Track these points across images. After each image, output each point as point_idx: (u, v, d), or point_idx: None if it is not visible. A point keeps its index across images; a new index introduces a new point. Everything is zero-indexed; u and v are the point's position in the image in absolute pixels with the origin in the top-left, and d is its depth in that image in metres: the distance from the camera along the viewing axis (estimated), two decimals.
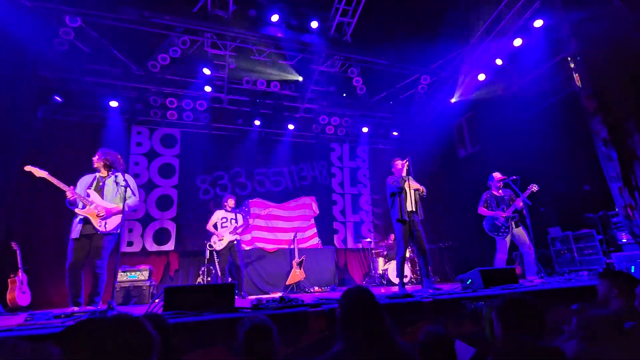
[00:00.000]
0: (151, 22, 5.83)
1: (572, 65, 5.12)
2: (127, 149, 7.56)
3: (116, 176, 3.83)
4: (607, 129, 4.56)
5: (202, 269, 6.56)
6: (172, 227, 7.49)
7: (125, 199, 3.54)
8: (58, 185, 3.59)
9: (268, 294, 6.52)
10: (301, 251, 7.18)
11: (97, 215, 3.62)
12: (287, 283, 6.75)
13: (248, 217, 6.15)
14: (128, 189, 3.60)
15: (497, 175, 5.19)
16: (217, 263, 6.25)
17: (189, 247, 7.42)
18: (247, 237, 7.60)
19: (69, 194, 3.60)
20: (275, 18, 6.19)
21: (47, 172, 3.62)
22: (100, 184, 3.81)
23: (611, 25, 4.57)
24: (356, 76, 7.44)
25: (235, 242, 5.53)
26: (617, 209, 4.80)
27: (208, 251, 6.66)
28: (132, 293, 5.82)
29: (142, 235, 7.22)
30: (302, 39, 6.55)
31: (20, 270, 5.35)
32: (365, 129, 9.15)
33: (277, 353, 1.65)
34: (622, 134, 4.47)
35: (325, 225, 8.64)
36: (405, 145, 9.82)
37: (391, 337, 1.52)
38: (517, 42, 6.37)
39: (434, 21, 6.81)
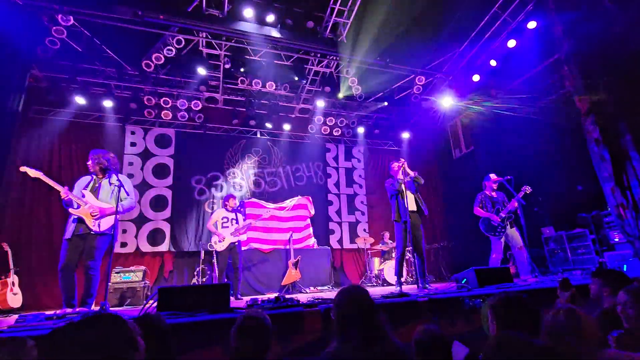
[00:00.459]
0: (145, 21, 5.77)
1: (565, 66, 5.16)
2: (121, 149, 7.49)
3: (110, 177, 3.81)
4: (599, 129, 4.61)
5: (197, 269, 6.52)
6: (166, 228, 7.43)
7: (119, 200, 3.53)
8: (52, 186, 3.57)
9: (263, 294, 6.49)
10: (297, 251, 7.16)
11: (91, 215, 3.60)
12: (282, 283, 6.73)
13: (244, 217, 6.12)
14: (122, 189, 3.58)
15: (493, 176, 5.23)
16: (215, 263, 6.21)
17: (183, 247, 7.37)
18: (243, 237, 7.56)
19: (63, 194, 3.57)
20: (270, 18, 6.18)
21: (41, 173, 3.61)
22: (97, 185, 3.81)
23: (603, 26, 4.62)
24: (351, 76, 7.45)
25: (236, 244, 5.49)
26: (609, 209, 4.85)
27: (203, 252, 6.62)
28: (126, 294, 5.76)
29: (136, 236, 7.16)
30: (297, 39, 6.54)
31: (11, 271, 5.27)
32: (360, 130, 9.17)
33: (272, 346, 1.64)
34: (614, 134, 4.52)
35: (320, 226, 8.64)
36: (400, 145, 9.86)
37: (386, 337, 1.52)
38: (511, 43, 6.43)
39: (428, 22, 6.84)
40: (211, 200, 7.94)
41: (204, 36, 6.53)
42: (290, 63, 7.43)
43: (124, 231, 7.04)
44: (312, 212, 8.43)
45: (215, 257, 5.69)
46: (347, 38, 6.72)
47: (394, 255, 7.25)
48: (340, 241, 8.76)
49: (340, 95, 8.26)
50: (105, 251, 3.68)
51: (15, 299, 5.20)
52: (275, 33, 6.31)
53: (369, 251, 8.05)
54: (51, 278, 6.13)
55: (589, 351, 1.35)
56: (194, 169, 7.97)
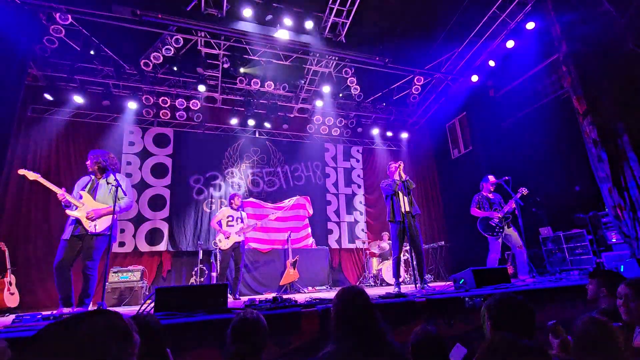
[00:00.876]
0: (144, 21, 5.76)
1: (563, 67, 5.18)
2: (120, 149, 7.47)
3: (108, 176, 3.80)
4: (597, 130, 4.63)
5: (195, 269, 6.51)
6: (164, 227, 7.42)
7: (116, 200, 3.53)
8: (50, 188, 3.57)
9: (261, 294, 6.49)
10: (295, 251, 7.16)
11: (87, 217, 3.59)
12: (280, 283, 6.73)
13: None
14: (119, 189, 3.58)
15: (491, 178, 5.24)
16: (214, 263, 6.19)
17: (181, 247, 7.36)
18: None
19: (60, 196, 3.57)
20: (269, 18, 6.17)
21: (39, 175, 3.63)
22: (94, 185, 3.81)
23: (601, 28, 4.64)
24: (350, 76, 7.45)
25: (240, 243, 5.48)
26: (607, 209, 4.87)
27: (201, 251, 6.61)
28: (123, 294, 5.75)
29: (134, 236, 7.14)
30: (296, 38, 6.54)
31: (8, 271, 5.25)
32: (359, 130, 9.17)
33: (267, 347, 1.64)
34: (611, 135, 4.54)
35: (319, 226, 8.64)
36: (399, 146, 9.87)
37: (384, 337, 1.52)
38: (510, 44, 6.44)
39: (427, 23, 6.85)
40: (209, 200, 7.92)
41: (203, 36, 6.52)
42: (289, 63, 7.42)
43: (122, 231, 7.03)
44: (311, 212, 8.43)
45: (217, 256, 5.65)
46: (346, 38, 6.72)
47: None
48: (338, 241, 8.76)
49: (339, 95, 8.26)
50: (103, 251, 3.67)
51: (12, 298, 5.18)
52: (274, 33, 6.30)
53: (367, 251, 8.06)
54: (48, 278, 6.11)
55: None
56: (192, 169, 7.96)
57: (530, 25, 6.03)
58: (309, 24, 6.35)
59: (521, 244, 4.88)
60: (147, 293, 5.97)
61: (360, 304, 1.59)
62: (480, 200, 5.19)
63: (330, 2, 6.15)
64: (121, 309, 5.01)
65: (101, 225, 3.65)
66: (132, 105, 7.24)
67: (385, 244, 7.85)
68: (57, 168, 6.85)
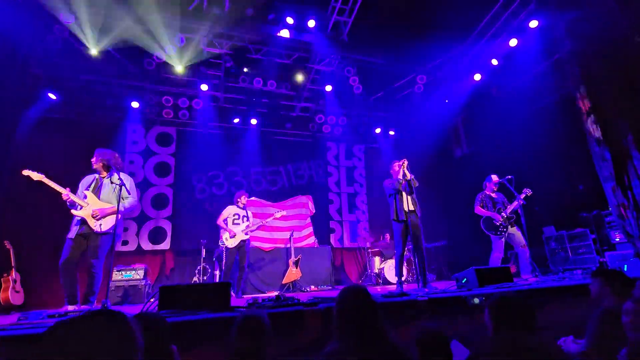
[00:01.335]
0: None
1: (566, 66, 5.15)
2: (123, 147, 7.51)
3: (112, 175, 3.83)
4: (600, 129, 4.61)
5: (198, 268, 6.53)
6: (167, 226, 7.45)
7: (121, 198, 3.56)
8: (55, 188, 3.60)
9: (264, 293, 6.51)
10: (297, 250, 7.17)
11: (92, 216, 3.62)
12: (283, 282, 6.74)
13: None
14: (123, 188, 3.60)
15: (494, 177, 5.22)
16: (216, 261, 6.21)
17: (184, 246, 7.39)
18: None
19: (64, 196, 3.59)
20: (271, 17, 6.17)
21: (43, 175, 3.66)
22: (99, 184, 3.83)
23: (605, 26, 4.61)
24: (353, 75, 7.44)
25: (246, 242, 5.49)
26: (610, 209, 4.85)
27: (204, 250, 6.63)
28: (127, 292, 5.78)
29: (137, 234, 7.18)
30: (298, 37, 6.54)
31: (13, 269, 5.30)
32: (361, 129, 9.16)
33: (270, 345, 1.65)
34: (615, 134, 4.51)
35: (321, 225, 8.65)
36: (401, 144, 9.85)
37: (386, 336, 1.53)
38: (513, 42, 6.41)
39: (430, 21, 6.82)
40: (212, 198, 7.95)
41: (205, 35, 6.52)
42: (292, 62, 7.42)
43: (126, 229, 7.06)
44: (313, 210, 8.44)
45: (221, 255, 5.66)
46: (349, 37, 6.71)
47: (394, 253, 7.25)
48: (340, 240, 8.77)
49: (342, 94, 8.25)
50: (107, 250, 3.71)
51: (17, 296, 5.22)
52: (276, 32, 6.30)
53: (369, 250, 8.06)
54: (53, 276, 6.14)
55: None
56: (195, 168, 7.98)
57: (534, 24, 6.00)
58: (311, 23, 6.35)
59: (524, 243, 4.87)
60: (151, 291, 6.01)
61: (362, 302, 1.60)
62: (484, 199, 5.18)
63: (332, 0, 6.15)
64: (125, 307, 5.04)
65: (106, 224, 3.68)
66: (135, 104, 7.27)
67: (388, 243, 7.85)
68: (60, 167, 6.81)
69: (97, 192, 3.80)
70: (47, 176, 3.71)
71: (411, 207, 4.46)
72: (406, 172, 4.58)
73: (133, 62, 6.83)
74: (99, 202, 3.75)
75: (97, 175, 3.89)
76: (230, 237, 5.41)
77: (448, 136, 9.08)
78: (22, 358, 1.74)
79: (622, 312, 1.75)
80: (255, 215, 7.07)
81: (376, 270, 7.58)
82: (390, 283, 6.97)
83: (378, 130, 9.35)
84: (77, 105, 6.98)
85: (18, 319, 2.56)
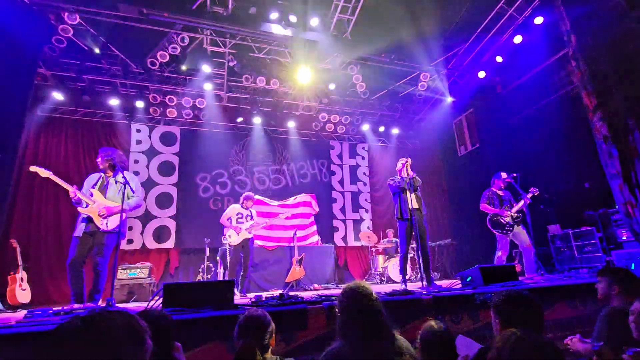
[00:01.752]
0: (150, 19, 5.79)
1: (572, 62, 5.10)
2: (127, 147, 7.55)
3: (117, 175, 3.86)
4: (607, 126, 4.55)
5: (202, 266, 6.56)
6: (171, 225, 7.49)
7: (124, 197, 3.60)
8: (62, 185, 3.62)
9: (268, 291, 6.52)
10: (301, 249, 7.18)
11: (99, 214, 3.65)
12: (286, 281, 6.75)
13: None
14: (128, 186, 3.63)
15: (504, 175, 5.16)
16: (227, 258, 6.23)
17: (188, 244, 7.42)
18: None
19: (71, 194, 3.63)
20: (274, 15, 6.16)
21: (51, 172, 3.68)
22: (105, 183, 3.87)
23: (611, 21, 4.54)
24: (356, 73, 7.41)
25: (249, 240, 5.50)
26: (617, 207, 4.79)
27: (208, 249, 6.65)
28: (132, 290, 5.82)
29: (142, 233, 7.22)
30: (301, 36, 6.52)
31: (20, 267, 5.35)
32: (365, 127, 9.14)
33: (273, 343, 1.66)
34: (622, 130, 4.45)
35: (325, 223, 8.65)
36: (405, 143, 9.82)
37: (390, 334, 1.52)
38: (518, 39, 6.35)
39: (433, 18, 6.78)
40: (216, 197, 7.98)
41: (209, 34, 6.54)
42: (295, 60, 7.40)
43: (130, 228, 7.11)
44: (316, 209, 8.43)
45: (227, 252, 5.67)
46: (352, 35, 6.68)
47: (398, 252, 7.23)
48: (344, 238, 8.76)
49: (345, 92, 8.23)
50: (113, 248, 3.74)
51: (23, 294, 5.27)
52: (279, 30, 6.29)
53: (373, 249, 8.04)
54: (59, 274, 6.22)
55: None
56: (198, 167, 8.01)
57: (539, 20, 5.94)
58: (314, 21, 6.33)
59: (529, 242, 4.83)
60: (155, 289, 6.04)
61: (365, 299, 1.59)
62: (491, 197, 5.13)
63: None
64: (130, 305, 5.08)
65: (112, 222, 3.71)
66: (139, 103, 7.31)
67: (391, 242, 7.83)
68: (66, 166, 6.94)
69: (103, 190, 3.84)
70: (53, 174, 3.73)
71: (415, 205, 4.44)
72: (409, 170, 4.56)
73: (137, 61, 6.86)
74: (105, 200, 3.78)
75: (102, 174, 3.92)
76: (235, 234, 5.42)
77: (452, 134, 9.03)
78: (30, 355, 1.75)
79: (630, 312, 1.73)
80: (258, 214, 7.08)
81: (380, 269, 7.56)
82: (394, 281, 6.95)
83: (382, 129, 9.32)
84: (81, 105, 7.02)
85: (24, 317, 2.59)
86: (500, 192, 5.16)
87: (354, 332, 1.51)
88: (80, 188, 3.78)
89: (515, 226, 4.90)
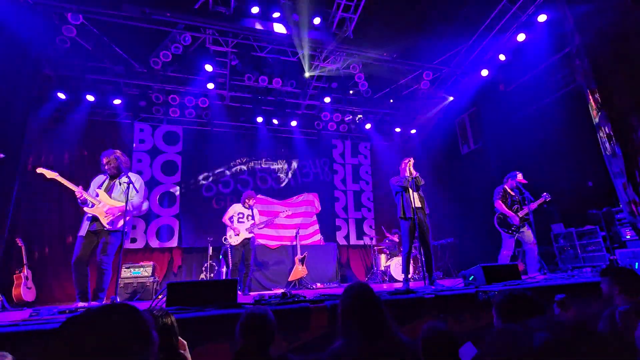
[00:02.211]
0: (153, 19, 5.82)
1: (576, 60, 5.07)
2: (130, 146, 7.59)
3: (122, 177, 3.92)
4: (611, 125, 4.53)
5: (205, 265, 6.59)
6: (175, 224, 7.52)
7: (128, 197, 3.66)
8: (68, 186, 3.67)
9: (270, 290, 6.55)
10: (303, 248, 7.19)
11: (105, 214, 3.70)
12: (289, 279, 6.77)
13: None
14: (132, 187, 3.71)
15: (520, 175, 5.13)
16: (222, 259, 6.26)
17: (192, 243, 7.45)
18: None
19: (77, 194, 3.69)
20: (277, 14, 6.17)
21: (57, 174, 3.73)
22: (110, 184, 3.94)
23: (616, 19, 4.51)
24: (358, 72, 7.40)
25: (250, 239, 5.52)
26: (621, 205, 4.77)
27: (210, 248, 6.69)
28: (136, 289, 5.86)
29: (145, 232, 7.26)
30: (303, 35, 6.52)
31: (25, 266, 5.40)
32: (367, 126, 9.13)
33: (275, 342, 1.66)
34: (626, 129, 4.43)
35: (327, 222, 8.65)
36: (407, 141, 9.80)
37: (392, 333, 1.53)
38: (521, 37, 6.32)
39: (436, 16, 6.75)
40: (218, 196, 8.00)
41: (211, 33, 6.55)
42: (297, 59, 7.40)
43: (134, 227, 7.15)
44: (319, 208, 8.44)
45: (228, 252, 5.71)
46: (354, 33, 6.67)
47: (400, 251, 7.23)
48: (346, 237, 8.77)
49: (347, 91, 8.22)
50: (117, 247, 3.78)
51: (29, 293, 5.32)
52: (281, 29, 6.30)
53: (375, 248, 8.05)
54: (64, 273, 6.27)
55: None
56: (201, 166, 8.04)
57: (542, 18, 5.90)
58: (316, 20, 6.33)
59: (533, 241, 4.83)
60: (159, 288, 6.07)
61: (366, 299, 1.60)
62: (505, 194, 5.10)
63: None
64: (133, 304, 5.10)
65: (118, 222, 3.78)
66: (142, 103, 7.34)
67: (394, 241, 7.83)
68: (70, 165, 6.98)
69: (108, 191, 3.91)
70: (59, 175, 3.77)
71: (418, 204, 4.45)
72: (412, 169, 4.56)
73: (140, 61, 6.89)
74: (110, 200, 3.84)
75: (108, 175, 3.99)
76: (235, 235, 5.45)
77: (455, 132, 9.00)
78: (36, 352, 1.77)
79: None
80: (261, 213, 7.11)
81: (382, 268, 7.57)
82: (396, 280, 6.96)
83: (384, 128, 9.30)
84: (85, 104, 7.05)
85: (30, 315, 2.62)
86: (511, 192, 5.14)
87: (355, 331, 1.52)
88: (86, 188, 3.83)
89: (521, 227, 4.92)
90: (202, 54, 6.94)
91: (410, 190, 4.47)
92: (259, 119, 8.19)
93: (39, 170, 3.73)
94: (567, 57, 5.85)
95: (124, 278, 5.85)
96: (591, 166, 5.55)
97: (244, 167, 8.41)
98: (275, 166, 8.71)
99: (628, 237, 5.09)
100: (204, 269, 6.64)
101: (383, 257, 7.74)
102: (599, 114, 4.70)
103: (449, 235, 8.33)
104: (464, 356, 1.77)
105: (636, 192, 4.36)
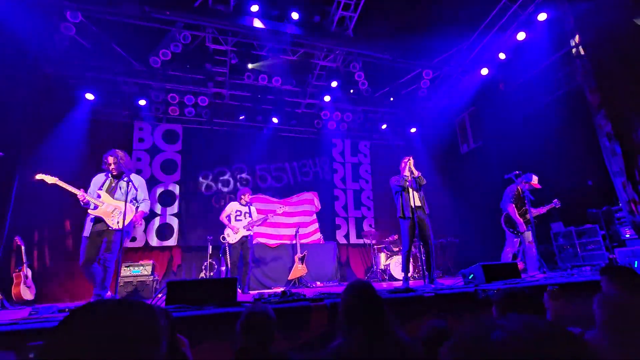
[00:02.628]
0: (152, 17, 5.80)
1: (576, 59, 5.06)
2: (130, 145, 7.57)
3: (124, 178, 3.93)
4: (611, 123, 4.53)
5: (205, 264, 6.59)
6: (174, 223, 7.52)
7: (136, 201, 3.92)
8: (69, 190, 3.71)
9: (270, 288, 6.55)
10: (303, 246, 7.20)
11: (111, 215, 3.78)
12: (289, 278, 6.78)
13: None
14: (139, 192, 3.93)
15: (535, 179, 5.09)
16: (222, 257, 6.27)
17: (191, 242, 7.45)
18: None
19: (80, 197, 3.73)
20: (276, 13, 6.16)
21: (57, 179, 3.78)
22: (113, 184, 3.98)
23: (616, 18, 4.51)
24: (358, 71, 7.39)
25: (248, 237, 5.52)
26: (620, 204, 4.77)
27: (210, 246, 6.69)
28: (135, 288, 5.86)
29: (145, 231, 7.26)
30: (303, 33, 6.51)
31: (24, 265, 5.39)
32: (367, 125, 9.12)
33: (275, 340, 1.66)
34: (626, 128, 4.43)
35: (327, 221, 8.65)
36: (407, 140, 9.79)
37: (392, 331, 1.53)
38: (521, 35, 6.31)
39: (436, 15, 6.74)
40: (218, 195, 8.00)
41: (210, 32, 6.53)
42: (297, 58, 7.39)
43: (134, 226, 7.13)
44: (319, 207, 8.44)
45: (227, 250, 5.71)
46: (354, 32, 6.66)
47: (400, 250, 7.24)
48: (346, 236, 8.77)
49: (347, 90, 8.21)
50: (119, 245, 3.82)
51: (28, 291, 5.32)
52: (281, 28, 6.28)
53: (375, 246, 8.05)
54: (63, 272, 6.27)
55: None
56: (201, 165, 8.03)
57: (542, 17, 5.89)
58: (316, 19, 6.32)
59: (532, 239, 4.84)
60: (159, 287, 6.07)
61: (367, 297, 1.60)
62: (517, 197, 5.07)
63: None
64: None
65: (124, 222, 3.83)
66: (141, 102, 7.32)
67: (394, 240, 7.83)
68: (69, 164, 6.94)
69: (111, 192, 3.95)
70: (56, 173, 3.78)
71: (418, 204, 4.45)
72: (412, 169, 4.56)
73: (139, 60, 6.87)
74: (113, 201, 3.88)
75: (110, 176, 4.01)
76: (233, 233, 5.45)
77: (454, 131, 9.00)
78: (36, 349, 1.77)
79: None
80: (261, 211, 7.10)
81: (382, 267, 7.57)
82: (396, 279, 6.96)
83: (384, 127, 9.30)
84: (84, 103, 7.04)
85: (29, 314, 2.62)
86: (522, 194, 5.14)
87: (355, 329, 1.51)
88: (86, 187, 3.85)
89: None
90: (202, 52, 6.93)
91: (410, 190, 4.47)
92: (259, 118, 8.18)
93: (39, 176, 3.78)
94: (568, 55, 5.85)
95: (124, 277, 5.84)
96: (591, 165, 5.55)
97: (244, 166, 8.40)
98: (274, 165, 8.71)
99: (627, 235, 5.09)
100: (203, 267, 6.64)
101: (383, 255, 7.75)
102: (599, 112, 4.70)
103: (449, 234, 8.33)
104: None
105: (636, 191, 4.36)
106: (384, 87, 8.49)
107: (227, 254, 5.67)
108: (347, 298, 1.63)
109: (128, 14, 5.69)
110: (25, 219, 6.33)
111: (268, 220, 6.06)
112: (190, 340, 2.07)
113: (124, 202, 3.84)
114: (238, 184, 8.17)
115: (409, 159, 4.66)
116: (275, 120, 8.35)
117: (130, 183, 3.75)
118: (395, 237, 7.93)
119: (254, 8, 6.01)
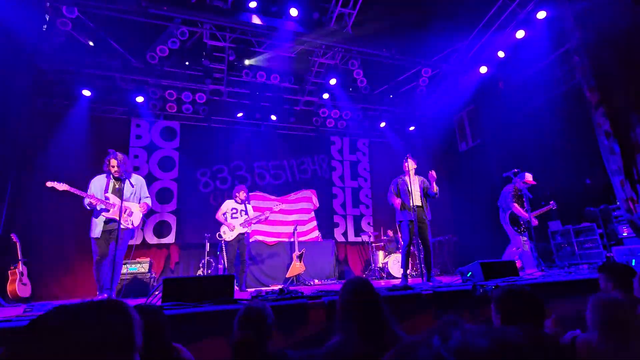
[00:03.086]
0: (149, 13, 5.75)
1: (575, 57, 5.05)
2: (127, 142, 7.53)
3: (126, 180, 3.94)
4: (609, 122, 4.52)
5: (202, 261, 6.56)
6: (172, 220, 7.49)
7: (136, 199, 4.04)
8: (79, 195, 3.78)
9: (268, 286, 6.54)
10: (301, 244, 7.18)
11: (124, 216, 3.84)
12: (287, 276, 6.76)
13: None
14: (142, 189, 4.09)
15: (529, 176, 5.12)
16: (220, 255, 6.25)
17: (189, 239, 7.42)
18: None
19: (89, 201, 3.81)
20: (275, 9, 6.12)
21: (67, 186, 3.83)
22: (117, 186, 4.02)
23: (615, 16, 4.50)
24: (357, 68, 7.36)
25: (245, 235, 5.50)
26: (618, 203, 4.78)
27: (208, 244, 6.66)
28: (132, 285, 5.83)
29: (142, 228, 7.22)
30: (302, 30, 6.47)
31: (20, 262, 5.35)
32: (365, 123, 9.10)
33: (273, 337, 1.65)
34: (625, 126, 4.43)
35: (325, 219, 8.64)
36: (406, 138, 9.78)
37: (390, 329, 1.52)
38: (520, 34, 6.30)
39: (435, 13, 6.72)
40: (216, 192, 7.97)
41: (208, 28, 6.48)
42: (295, 55, 7.36)
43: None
44: (317, 205, 8.43)
45: (223, 248, 5.69)
46: (353, 29, 6.62)
47: (398, 248, 7.24)
48: (344, 234, 8.76)
49: (346, 87, 8.19)
50: (127, 242, 4.04)
51: (24, 289, 5.28)
52: (279, 24, 6.24)
53: (373, 244, 8.05)
54: (59, 269, 6.24)
55: None
56: (198, 162, 7.99)
57: (542, 15, 5.88)
58: (315, 15, 6.29)
59: (527, 238, 4.88)
60: (156, 284, 6.05)
61: (365, 295, 1.59)
62: (517, 195, 5.10)
63: None
64: (130, 300, 5.08)
65: (136, 220, 4.03)
66: (139, 98, 7.27)
67: (392, 238, 7.83)
68: (66, 160, 6.90)
69: (117, 193, 3.98)
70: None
71: (418, 203, 4.45)
72: (411, 165, 4.61)
73: (136, 56, 6.82)
74: (123, 202, 3.90)
75: (112, 177, 4.03)
76: (230, 231, 5.43)
77: (453, 129, 9.00)
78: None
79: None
80: (258, 209, 7.08)
81: (380, 265, 7.57)
82: (394, 277, 6.97)
83: (383, 124, 9.29)
84: (81, 99, 6.99)
85: (24, 311, 2.59)
86: (519, 192, 5.16)
87: (353, 327, 1.50)
88: (83, 187, 3.86)
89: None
90: (199, 49, 6.89)
91: (412, 188, 4.50)
92: (257, 115, 8.15)
93: (49, 184, 3.84)
94: (567, 54, 5.85)
95: (121, 274, 5.80)
96: (589, 163, 5.56)
97: (242, 163, 8.37)
98: (273, 162, 8.68)
99: (625, 234, 5.11)
100: (201, 265, 6.61)
101: (381, 253, 7.75)
102: (597, 111, 4.69)
103: (448, 232, 8.34)
104: None
105: (634, 190, 4.36)
106: (383, 85, 8.47)
107: (224, 251, 5.65)
108: (344, 295, 1.61)
109: (125, 9, 5.64)
110: (21, 216, 6.29)
111: (266, 218, 6.03)
112: (187, 338, 2.06)
113: (132, 203, 4.04)
114: (236, 181, 8.14)
115: (408, 157, 4.67)
116: (273, 117, 8.31)
117: (133, 184, 3.90)
118: (390, 233, 7.93)
119: (252, 4, 5.98)
